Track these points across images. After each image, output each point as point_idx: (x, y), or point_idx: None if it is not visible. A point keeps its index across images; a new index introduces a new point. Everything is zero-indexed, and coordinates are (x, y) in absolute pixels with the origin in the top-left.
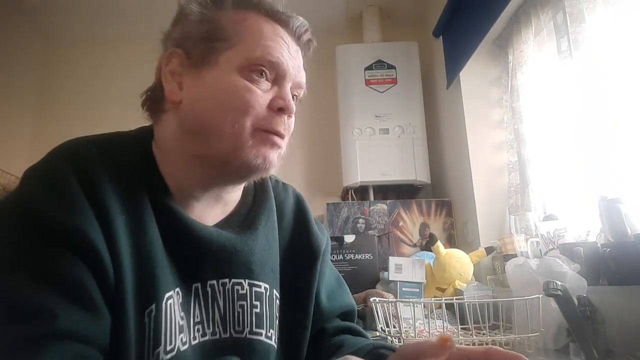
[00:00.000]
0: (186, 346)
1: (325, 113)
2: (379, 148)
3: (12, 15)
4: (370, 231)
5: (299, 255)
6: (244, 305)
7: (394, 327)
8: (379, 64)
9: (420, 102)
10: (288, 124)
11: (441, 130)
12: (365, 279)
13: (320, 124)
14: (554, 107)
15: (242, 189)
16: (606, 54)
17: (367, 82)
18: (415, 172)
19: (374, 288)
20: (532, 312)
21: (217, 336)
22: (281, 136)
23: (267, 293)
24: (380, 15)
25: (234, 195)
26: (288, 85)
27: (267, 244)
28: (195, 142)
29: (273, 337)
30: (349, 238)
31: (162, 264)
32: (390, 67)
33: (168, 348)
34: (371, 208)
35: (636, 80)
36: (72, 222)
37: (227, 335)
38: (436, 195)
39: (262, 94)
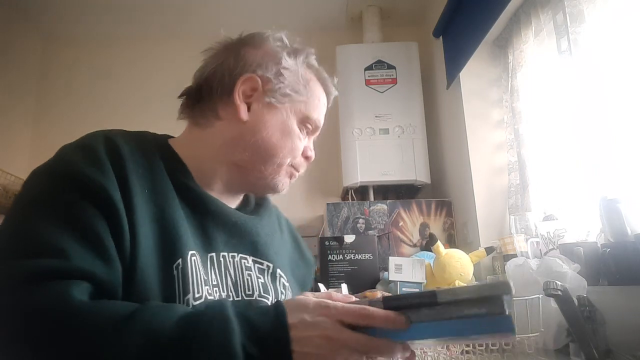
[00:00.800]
0: (211, 297)
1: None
2: (379, 148)
3: (12, 16)
4: (370, 231)
5: (297, 265)
6: (251, 274)
7: None
8: (379, 64)
9: (420, 102)
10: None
11: (441, 130)
12: (365, 279)
13: None
14: (554, 107)
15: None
16: (606, 54)
17: (367, 82)
18: (415, 172)
19: (374, 288)
20: (532, 312)
21: (232, 299)
22: (299, 172)
23: (270, 270)
24: (380, 15)
25: (240, 195)
26: (313, 138)
27: (271, 232)
28: (244, 155)
29: None
30: (349, 238)
31: (184, 229)
32: (390, 67)
33: (197, 295)
34: (371, 208)
35: (636, 80)
36: (96, 178)
37: (239, 298)
38: (436, 195)
39: (302, 143)
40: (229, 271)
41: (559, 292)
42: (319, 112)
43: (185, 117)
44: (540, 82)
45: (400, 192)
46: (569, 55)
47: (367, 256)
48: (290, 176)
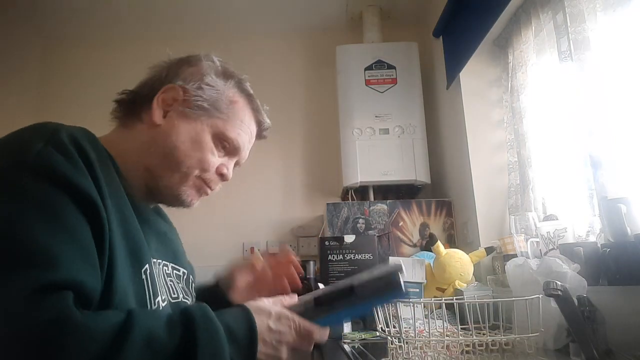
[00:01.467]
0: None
1: (325, 113)
2: (379, 148)
3: (12, 16)
4: (370, 231)
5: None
6: (172, 280)
7: (394, 327)
8: (379, 64)
9: (420, 102)
10: (221, 182)
11: (441, 130)
12: None
13: (320, 124)
14: (554, 107)
15: None
16: (606, 54)
17: (367, 82)
18: (415, 172)
19: None
20: (532, 312)
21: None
22: (212, 189)
23: (185, 276)
24: (380, 15)
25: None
26: (234, 161)
27: (177, 236)
28: (154, 159)
29: None
30: (349, 238)
31: (142, 234)
32: (390, 67)
33: (162, 298)
34: (371, 208)
35: (636, 79)
36: (80, 182)
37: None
38: (436, 195)
39: (216, 159)
40: (160, 277)
41: (559, 292)
42: (238, 133)
43: (115, 117)
44: (541, 82)
45: (400, 192)
46: (569, 55)
47: (367, 256)
48: (199, 190)
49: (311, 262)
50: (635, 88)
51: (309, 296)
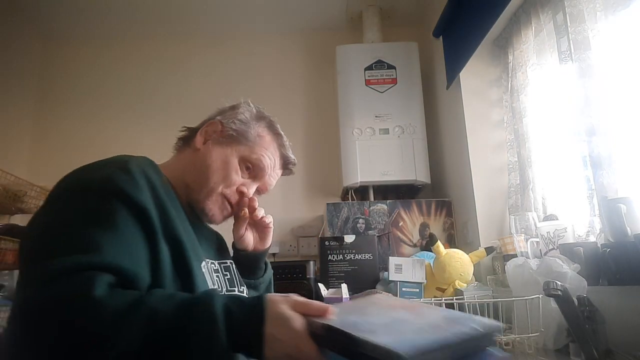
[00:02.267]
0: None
1: (325, 113)
2: (379, 148)
3: (12, 15)
4: (370, 231)
5: None
6: (219, 276)
7: None
8: (379, 64)
9: (420, 102)
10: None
11: (441, 130)
12: (365, 279)
13: (320, 124)
14: (554, 107)
15: None
16: (606, 54)
17: (367, 82)
18: (415, 172)
19: (374, 288)
20: (532, 312)
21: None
22: (233, 208)
23: (232, 266)
24: (380, 15)
25: None
26: (256, 185)
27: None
28: (191, 176)
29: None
30: (349, 238)
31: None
32: (390, 67)
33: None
34: (371, 208)
35: (636, 79)
36: (135, 195)
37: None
38: (436, 195)
39: (239, 179)
40: (212, 273)
41: (559, 292)
42: (261, 157)
43: (175, 150)
44: (541, 82)
45: (400, 192)
46: (568, 55)
47: (367, 256)
48: (221, 207)
49: (311, 262)
50: (635, 88)
51: (342, 328)
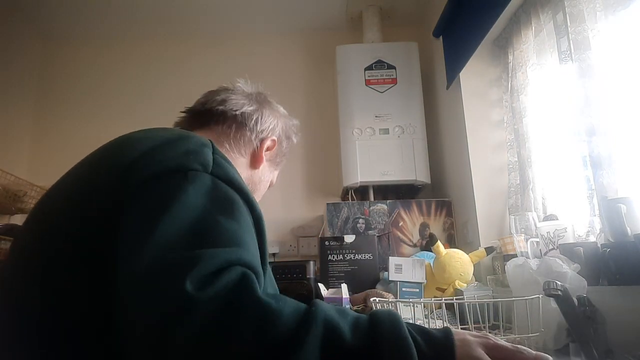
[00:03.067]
0: None
1: (325, 113)
2: (379, 148)
3: (12, 16)
4: (370, 231)
5: None
6: None
7: None
8: (379, 64)
9: (420, 102)
10: None
11: (441, 130)
12: (365, 279)
13: (320, 124)
14: (554, 106)
15: None
16: (606, 54)
17: (367, 82)
18: (415, 172)
19: (374, 288)
20: (532, 312)
21: None
22: None
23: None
24: (380, 15)
25: None
26: None
27: None
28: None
29: None
30: (349, 238)
31: None
32: (390, 67)
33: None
34: (371, 208)
35: (636, 79)
36: (253, 198)
37: None
38: (436, 195)
39: None
40: None
41: (559, 292)
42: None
43: (206, 128)
44: (541, 82)
45: (400, 192)
46: (569, 55)
47: (367, 256)
48: None
49: (311, 262)
50: (635, 88)
51: None
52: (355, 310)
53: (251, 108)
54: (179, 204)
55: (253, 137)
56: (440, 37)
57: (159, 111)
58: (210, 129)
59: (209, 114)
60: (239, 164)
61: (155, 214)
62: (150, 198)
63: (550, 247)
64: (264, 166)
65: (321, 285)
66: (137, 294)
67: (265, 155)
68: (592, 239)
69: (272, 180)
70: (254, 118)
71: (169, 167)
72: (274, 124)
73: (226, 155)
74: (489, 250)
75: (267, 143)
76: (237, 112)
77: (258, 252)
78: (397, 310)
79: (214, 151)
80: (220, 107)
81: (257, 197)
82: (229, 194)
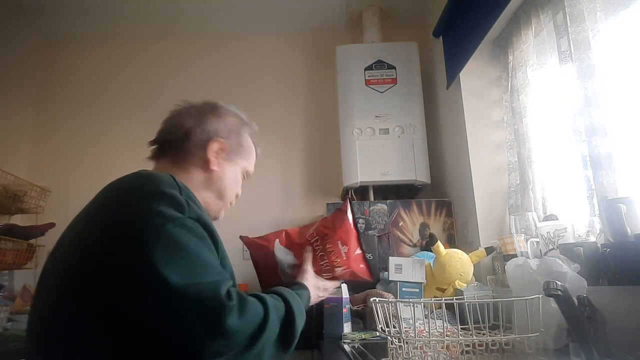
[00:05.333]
0: None
1: (325, 113)
2: (379, 148)
3: (12, 15)
4: (370, 231)
5: None
6: None
7: (394, 327)
8: (379, 64)
9: (420, 102)
10: None
11: (441, 130)
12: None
13: (320, 124)
14: (554, 106)
15: None
16: (606, 54)
17: (367, 82)
18: (415, 172)
19: (374, 288)
20: (532, 312)
21: None
22: None
23: None
24: (380, 15)
25: None
26: None
27: None
28: (209, 195)
29: None
30: None
31: None
32: (390, 67)
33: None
34: (371, 208)
35: (636, 79)
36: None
37: None
38: (436, 195)
39: (240, 189)
40: None
41: (559, 292)
42: (253, 166)
43: (162, 159)
44: (541, 82)
45: (400, 192)
46: (569, 54)
47: (367, 256)
48: (226, 210)
49: None
50: (636, 88)
51: None
52: (355, 311)
53: (189, 124)
54: (184, 246)
55: (199, 146)
56: (440, 37)
57: (159, 111)
58: (168, 158)
59: (164, 146)
60: (195, 175)
61: (170, 253)
62: (162, 240)
63: (550, 247)
64: (220, 164)
65: None
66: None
67: (214, 159)
68: (592, 239)
69: (244, 172)
70: (196, 131)
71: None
72: (216, 126)
73: (183, 176)
74: (489, 250)
75: (213, 146)
76: (180, 134)
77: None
78: (397, 310)
79: (183, 191)
80: (169, 136)
81: (227, 193)
82: (200, 232)
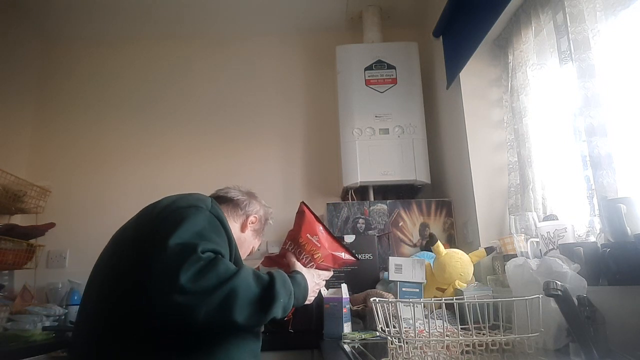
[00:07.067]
0: None
1: (325, 113)
2: (379, 148)
3: (11, 15)
4: (370, 231)
5: None
6: None
7: (394, 327)
8: (379, 64)
9: (420, 102)
10: None
11: (441, 130)
12: (365, 279)
13: (320, 124)
14: (554, 106)
15: None
16: (606, 54)
17: (367, 82)
18: (415, 172)
19: (374, 288)
20: (532, 312)
21: None
22: None
23: None
24: (380, 15)
25: None
26: None
27: None
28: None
29: None
30: (349, 238)
31: None
32: (390, 67)
33: None
34: (371, 208)
35: (636, 79)
36: (226, 220)
37: None
38: (436, 195)
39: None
40: None
41: (559, 292)
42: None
43: (222, 203)
44: (540, 82)
45: (400, 192)
46: (568, 54)
47: (367, 256)
48: None
49: None
50: (636, 88)
51: None
52: (355, 311)
53: (242, 197)
54: (190, 220)
55: (241, 212)
56: (440, 37)
57: (159, 111)
58: (222, 205)
59: (221, 199)
60: (233, 227)
61: (178, 223)
62: (174, 216)
63: (550, 247)
64: (248, 232)
65: None
66: (171, 256)
67: (249, 225)
68: (592, 239)
69: (254, 246)
70: (244, 203)
71: (186, 205)
72: (257, 209)
73: (226, 218)
74: (489, 250)
75: (251, 218)
76: (234, 198)
77: (227, 251)
78: (397, 310)
79: (213, 203)
80: (227, 195)
81: (243, 252)
82: (217, 222)
